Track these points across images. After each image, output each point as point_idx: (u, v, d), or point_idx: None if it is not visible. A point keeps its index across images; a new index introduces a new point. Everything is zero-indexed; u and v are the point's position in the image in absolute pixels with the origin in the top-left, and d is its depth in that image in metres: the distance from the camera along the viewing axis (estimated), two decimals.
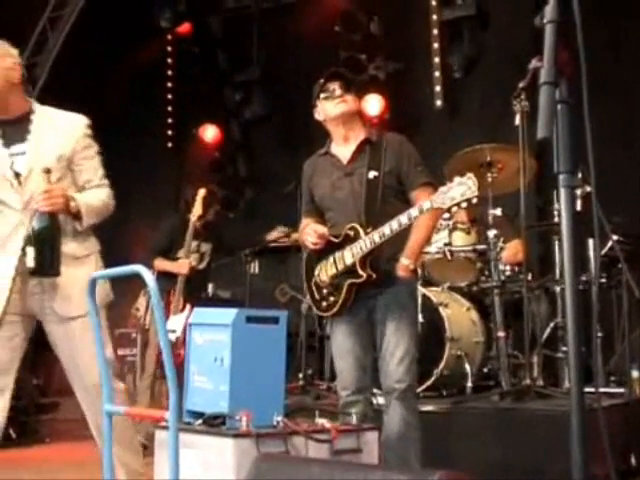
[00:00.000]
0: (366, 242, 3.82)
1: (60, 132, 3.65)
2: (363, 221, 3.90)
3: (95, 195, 3.70)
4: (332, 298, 3.95)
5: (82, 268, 3.62)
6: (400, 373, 3.87)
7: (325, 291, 4.00)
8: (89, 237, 3.76)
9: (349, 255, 3.88)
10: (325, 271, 3.99)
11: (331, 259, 3.96)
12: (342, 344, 4.00)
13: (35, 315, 3.69)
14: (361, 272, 3.83)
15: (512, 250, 5.68)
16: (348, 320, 3.95)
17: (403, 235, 3.84)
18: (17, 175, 3.57)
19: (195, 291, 6.52)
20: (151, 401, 6.50)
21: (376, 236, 3.78)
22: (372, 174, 3.97)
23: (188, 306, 6.09)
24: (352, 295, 3.89)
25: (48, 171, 3.51)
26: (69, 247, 3.62)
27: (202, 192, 6.46)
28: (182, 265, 6.33)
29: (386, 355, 3.91)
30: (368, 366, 4.02)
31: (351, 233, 3.90)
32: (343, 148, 4.11)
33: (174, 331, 5.96)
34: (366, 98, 8.51)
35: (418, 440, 3.87)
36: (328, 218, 4.11)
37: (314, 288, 4.06)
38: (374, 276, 3.83)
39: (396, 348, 3.88)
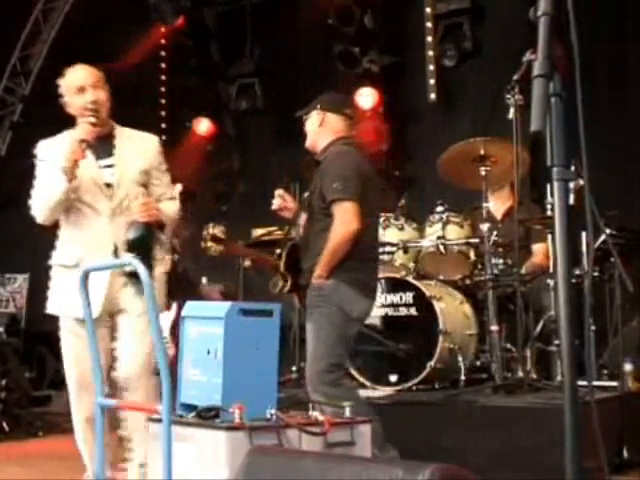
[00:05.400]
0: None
1: (139, 150, 4.19)
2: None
3: (170, 207, 4.23)
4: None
5: (158, 268, 4.14)
6: (308, 370, 4.25)
7: None
8: (164, 244, 4.26)
9: None
10: None
11: None
12: None
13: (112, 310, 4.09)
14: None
15: (542, 254, 5.75)
16: None
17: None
18: (107, 185, 4.06)
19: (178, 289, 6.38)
20: None
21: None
22: (307, 194, 4.55)
23: (174, 305, 5.98)
24: (300, 299, 4.48)
25: (144, 185, 4.10)
26: (156, 251, 4.13)
27: (179, 187, 6.13)
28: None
29: None
30: None
31: None
32: None
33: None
34: (360, 91, 8.51)
35: None
36: None
37: None
38: (287, 285, 4.47)
39: (308, 344, 4.32)
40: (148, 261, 3.90)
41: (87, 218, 4.05)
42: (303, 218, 4.52)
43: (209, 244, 5.45)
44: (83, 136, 3.93)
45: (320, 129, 4.51)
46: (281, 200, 4.63)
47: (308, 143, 4.58)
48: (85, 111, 4.02)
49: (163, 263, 4.20)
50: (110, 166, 4.09)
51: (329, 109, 4.53)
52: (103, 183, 4.05)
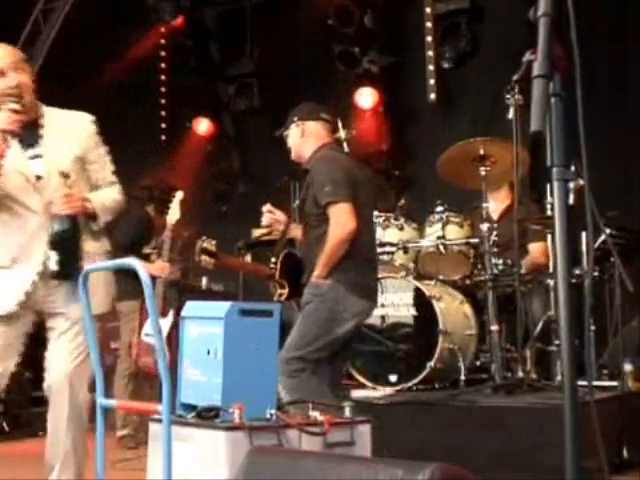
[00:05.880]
0: None
1: (70, 133, 3.74)
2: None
3: (108, 194, 3.83)
4: None
5: (87, 262, 3.66)
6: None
7: None
8: (103, 236, 3.85)
9: None
10: None
11: None
12: None
13: (42, 312, 3.73)
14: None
15: (539, 253, 5.75)
16: None
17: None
18: (37, 178, 3.64)
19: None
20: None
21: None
22: (297, 203, 4.64)
23: (172, 311, 5.94)
24: (300, 305, 4.49)
25: (66, 175, 3.61)
26: (89, 246, 3.73)
27: (180, 195, 6.02)
28: (162, 268, 6.08)
29: None
30: None
31: None
32: None
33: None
34: (360, 91, 8.51)
35: None
36: None
37: None
38: (285, 292, 4.55)
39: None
40: (74, 256, 3.61)
41: (19, 216, 3.64)
42: (299, 228, 4.61)
43: (202, 257, 5.47)
44: (4, 126, 3.49)
45: (302, 139, 4.55)
46: (270, 215, 4.69)
47: (293, 155, 4.65)
48: (6, 97, 3.56)
49: (104, 260, 3.80)
50: (39, 156, 3.67)
51: (307, 118, 4.56)
52: (33, 176, 3.63)
